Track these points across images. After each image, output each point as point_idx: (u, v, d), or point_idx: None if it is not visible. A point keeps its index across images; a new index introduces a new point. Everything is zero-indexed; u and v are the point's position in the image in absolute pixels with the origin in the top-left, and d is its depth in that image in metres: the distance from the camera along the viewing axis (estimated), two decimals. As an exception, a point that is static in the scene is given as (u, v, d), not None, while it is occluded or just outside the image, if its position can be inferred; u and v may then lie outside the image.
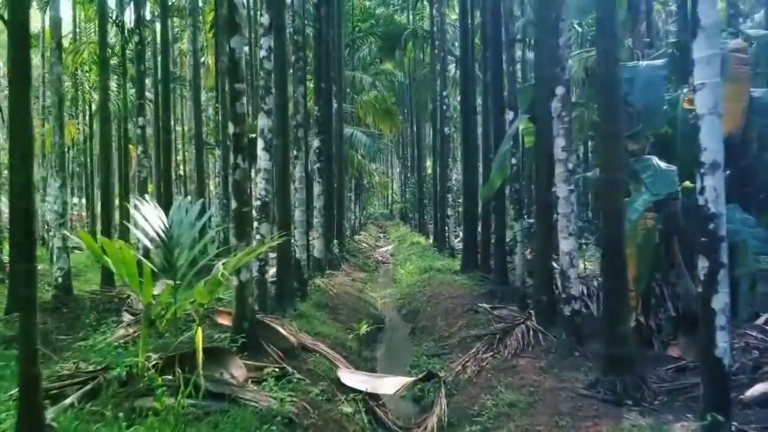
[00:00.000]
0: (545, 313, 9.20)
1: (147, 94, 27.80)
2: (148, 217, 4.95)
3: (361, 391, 6.61)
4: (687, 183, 8.03)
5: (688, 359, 7.62)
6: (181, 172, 28.98)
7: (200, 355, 4.61)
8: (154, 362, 4.70)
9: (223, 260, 5.11)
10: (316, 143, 14.05)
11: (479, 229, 15.97)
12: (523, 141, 10.80)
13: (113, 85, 31.38)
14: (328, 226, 16.30)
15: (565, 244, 7.74)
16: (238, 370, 5.97)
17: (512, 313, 10.27)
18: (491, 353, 7.85)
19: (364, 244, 30.11)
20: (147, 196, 5.28)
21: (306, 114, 11.64)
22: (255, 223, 7.89)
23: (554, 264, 9.36)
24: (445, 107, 21.25)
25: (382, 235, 42.30)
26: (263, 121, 8.00)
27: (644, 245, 8.21)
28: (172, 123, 17.88)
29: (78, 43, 27.28)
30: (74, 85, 28.33)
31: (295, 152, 10.78)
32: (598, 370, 6.44)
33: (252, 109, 15.52)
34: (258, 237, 7.81)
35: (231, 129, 6.71)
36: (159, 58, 16.43)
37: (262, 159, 7.95)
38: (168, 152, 15.78)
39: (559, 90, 7.82)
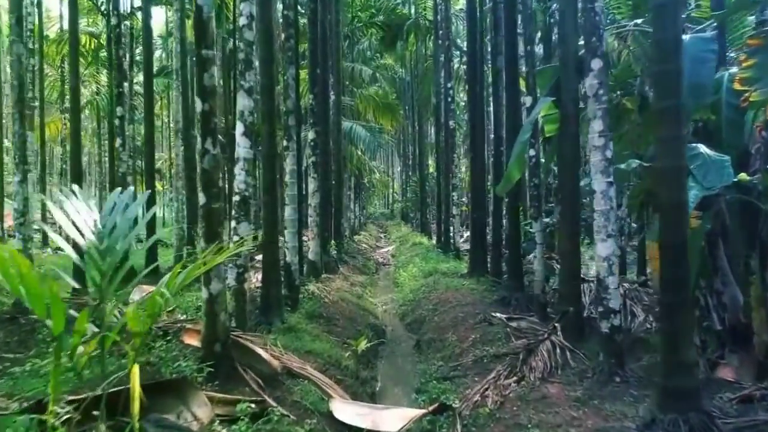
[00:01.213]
0: (573, 327, 7.97)
1: (136, 87, 26.63)
2: (72, 214, 3.69)
3: (359, 430, 5.35)
4: (743, 175, 6.80)
5: (745, 383, 6.41)
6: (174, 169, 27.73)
7: (137, 399, 3.35)
8: (76, 405, 3.44)
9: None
10: (311, 135, 12.78)
11: (489, 228, 14.72)
12: (543, 130, 9.53)
13: (103, 78, 30.21)
14: (324, 225, 15.03)
15: (603, 248, 6.46)
16: (201, 407, 4.71)
17: (532, 326, 9.01)
18: (515, 377, 6.57)
19: (364, 245, 28.85)
20: (75, 187, 3.97)
21: (297, 100, 10.40)
22: (233, 223, 6.63)
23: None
24: (450, 99, 19.99)
25: (382, 235, 41.13)
26: (243, 102, 6.73)
27: (688, 248, 6.95)
28: (154, 115, 16.56)
29: (63, 32, 26.01)
30: (61, 78, 27.06)
31: (285, 142, 9.52)
32: (655, 405, 5.16)
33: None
34: (236, 239, 6.54)
35: (199, 106, 5.44)
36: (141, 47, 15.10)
37: (242, 146, 6.68)
38: (150, 146, 14.50)
39: (596, 63, 6.55)
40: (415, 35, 26.94)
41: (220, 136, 5.48)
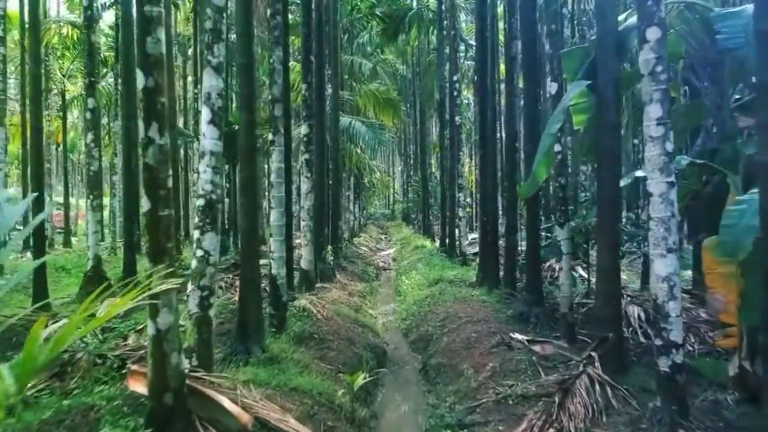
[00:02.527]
0: (613, 357, 6.64)
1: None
2: None
3: None
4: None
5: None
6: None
7: None
8: None
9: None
10: (303, 130, 11.44)
11: (501, 233, 13.36)
12: (571, 121, 8.18)
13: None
14: (319, 230, 13.67)
15: (663, 265, 5.11)
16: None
17: (560, 351, 7.66)
18: (551, 429, 5.21)
19: (364, 248, 27.49)
20: None
21: (287, 89, 9.06)
22: (196, 233, 5.28)
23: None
24: (456, 93, 18.64)
25: (383, 237, 39.79)
26: (210, 81, 5.38)
27: (753, 261, 5.59)
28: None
29: (48, 20, 24.67)
30: (46, 74, 25.67)
31: (271, 136, 8.18)
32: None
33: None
34: (199, 254, 5.19)
35: (140, 80, 4.09)
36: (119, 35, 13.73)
37: (208, 137, 5.33)
38: (128, 143, 13.13)
39: (653, 33, 5.19)
40: (417, 27, 25.55)
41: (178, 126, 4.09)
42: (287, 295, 8.68)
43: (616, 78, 6.98)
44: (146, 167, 4.14)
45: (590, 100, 7.91)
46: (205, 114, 5.42)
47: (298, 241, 13.38)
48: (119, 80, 19.01)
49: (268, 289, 8.49)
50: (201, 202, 5.30)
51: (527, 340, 8.18)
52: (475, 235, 24.93)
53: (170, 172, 4.25)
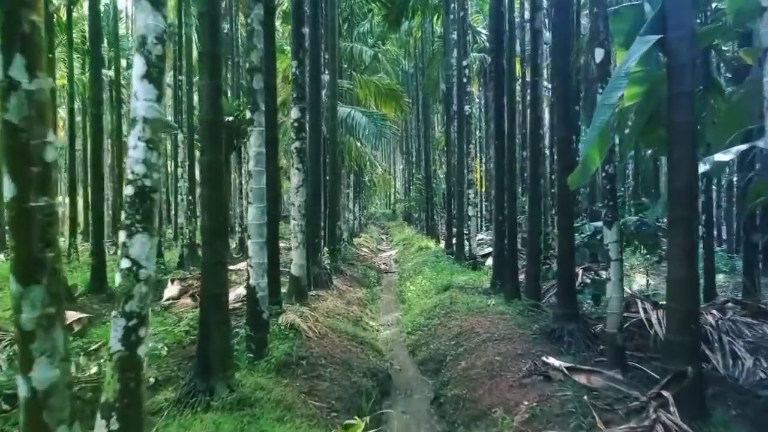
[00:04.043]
0: (690, 396, 5.03)
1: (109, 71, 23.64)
2: None
3: None
4: None
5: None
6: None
7: None
8: None
9: None
10: (294, 113, 9.82)
11: (520, 234, 11.78)
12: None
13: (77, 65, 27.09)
14: (314, 230, 12.05)
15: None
16: None
17: (613, 384, 6.04)
18: None
19: (365, 249, 25.91)
20: None
21: (269, 56, 7.42)
22: (121, 235, 3.66)
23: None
24: (465, 80, 17.02)
25: (384, 237, 38.23)
26: (145, 18, 3.76)
27: None
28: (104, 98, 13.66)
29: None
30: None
31: (249, 113, 6.57)
32: None
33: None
34: (125, 265, 3.57)
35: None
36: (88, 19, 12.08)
37: (141, 97, 3.72)
38: (97, 136, 11.53)
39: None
40: (422, 13, 23.88)
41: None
42: (269, 311, 7.05)
43: (692, 35, 5.38)
44: (7, 128, 2.53)
45: (648, 68, 6.33)
46: (139, 66, 3.80)
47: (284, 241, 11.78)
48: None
49: (246, 305, 6.87)
50: (129, 190, 3.67)
51: (567, 368, 6.57)
52: (482, 236, 23.38)
53: (53, 136, 2.64)
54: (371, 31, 26.95)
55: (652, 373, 6.14)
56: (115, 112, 17.68)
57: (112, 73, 17.91)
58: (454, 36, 18.78)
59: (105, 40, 18.51)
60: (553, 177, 13.06)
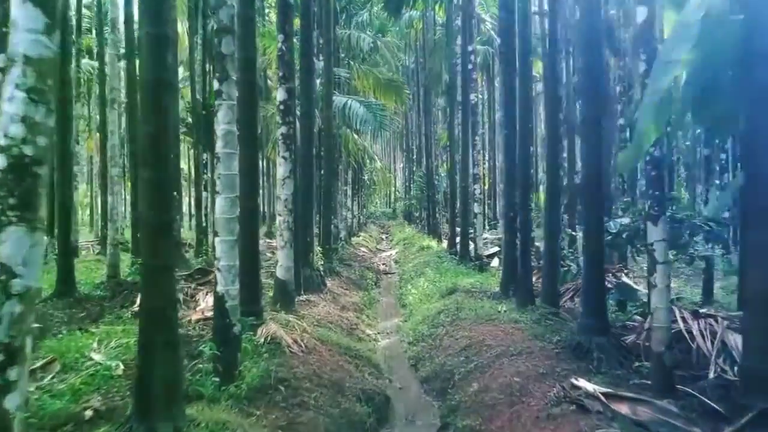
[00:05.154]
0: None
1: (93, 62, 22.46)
2: None
3: None
4: None
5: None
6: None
7: None
8: None
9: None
10: (280, 95, 8.65)
11: (534, 233, 10.59)
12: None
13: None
14: (304, 228, 10.86)
15: None
16: None
17: (664, 418, 4.87)
18: None
19: (363, 249, 24.70)
20: None
21: (249, 20, 6.23)
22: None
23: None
24: (470, 67, 15.83)
25: (384, 237, 37.00)
26: None
27: None
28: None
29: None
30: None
31: (217, 84, 5.38)
32: None
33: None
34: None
35: None
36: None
37: (22, 27, 2.53)
38: (63, 127, 10.35)
39: None
40: (423, 2, 22.68)
41: None
42: (243, 323, 5.85)
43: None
44: None
45: (702, 29, 5.13)
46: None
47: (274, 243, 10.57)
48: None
49: (215, 316, 5.66)
50: (1, 161, 2.49)
51: (605, 394, 5.36)
52: (486, 235, 22.19)
53: None
54: (371, 22, 25.73)
55: (713, 404, 4.93)
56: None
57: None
58: (458, 23, 17.60)
59: None
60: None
